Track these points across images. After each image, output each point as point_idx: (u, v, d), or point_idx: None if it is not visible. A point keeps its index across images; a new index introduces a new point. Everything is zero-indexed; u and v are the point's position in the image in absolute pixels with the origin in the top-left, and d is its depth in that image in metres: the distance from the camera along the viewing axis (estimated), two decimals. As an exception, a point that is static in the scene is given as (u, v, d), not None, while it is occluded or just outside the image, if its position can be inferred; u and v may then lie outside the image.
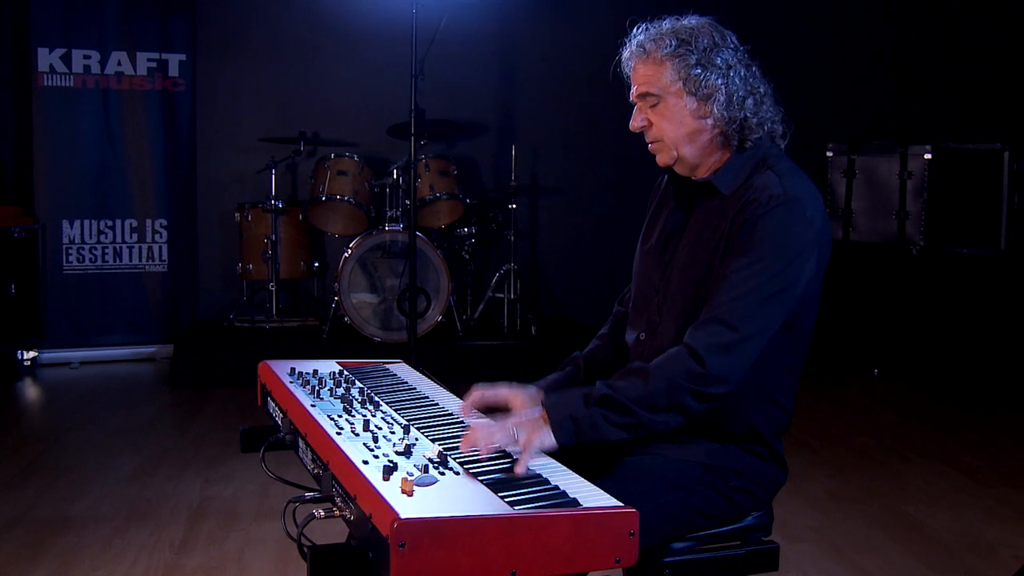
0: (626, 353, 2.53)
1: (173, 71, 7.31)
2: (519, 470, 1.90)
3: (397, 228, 6.78)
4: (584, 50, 7.82)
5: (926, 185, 6.73)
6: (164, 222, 7.39)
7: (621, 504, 1.73)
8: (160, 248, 7.39)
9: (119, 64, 7.18)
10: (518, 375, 2.62)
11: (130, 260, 7.34)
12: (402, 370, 2.78)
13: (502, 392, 2.35)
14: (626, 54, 2.30)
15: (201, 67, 7.45)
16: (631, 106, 2.33)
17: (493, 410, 2.36)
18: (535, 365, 6.32)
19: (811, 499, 4.38)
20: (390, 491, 1.69)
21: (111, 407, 5.99)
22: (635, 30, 2.30)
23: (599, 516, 1.68)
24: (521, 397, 2.33)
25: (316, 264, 7.40)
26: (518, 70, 7.94)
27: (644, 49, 2.25)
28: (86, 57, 7.12)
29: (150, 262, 7.38)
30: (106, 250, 7.27)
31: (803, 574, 3.60)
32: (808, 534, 3.98)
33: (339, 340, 6.77)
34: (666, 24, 2.27)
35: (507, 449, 2.01)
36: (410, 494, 1.68)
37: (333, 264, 7.41)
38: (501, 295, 7.26)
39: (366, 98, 7.53)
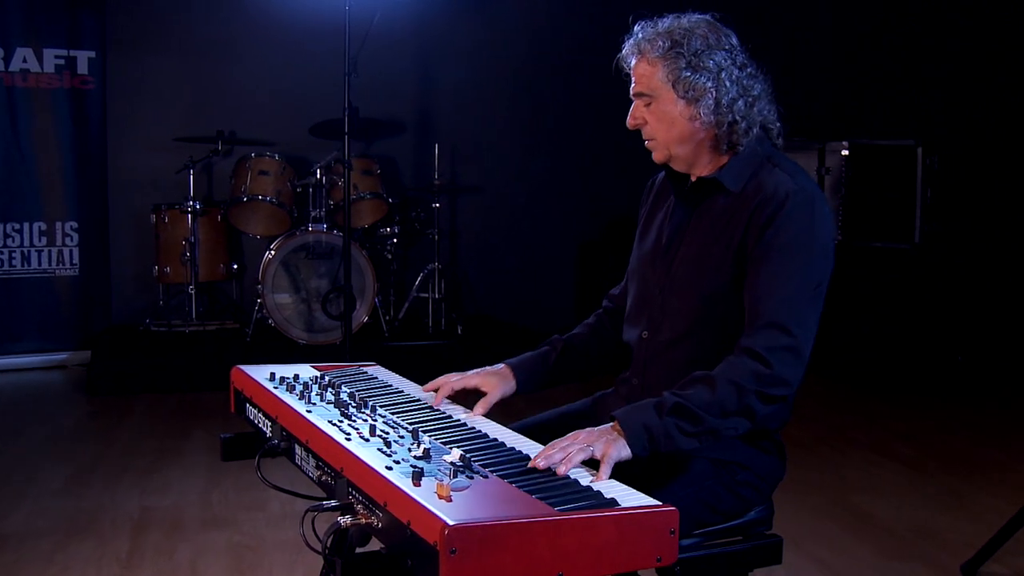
0: (608, 346, 2.59)
1: (82, 68, 7.04)
2: (601, 478, 1.86)
3: (321, 228, 6.66)
4: (504, 49, 7.82)
5: (843, 181, 6.88)
6: (75, 224, 7.12)
7: (660, 503, 1.71)
8: (71, 251, 7.12)
9: (24, 61, 6.89)
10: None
11: (39, 264, 7.05)
12: (381, 372, 2.74)
13: (472, 379, 2.47)
14: (625, 50, 2.31)
15: (112, 64, 7.18)
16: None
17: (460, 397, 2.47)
18: (462, 364, 6.24)
19: (757, 492, 4.42)
20: (427, 497, 1.64)
21: (29, 417, 5.74)
22: (636, 26, 2.30)
23: (642, 516, 1.66)
24: (491, 380, 2.47)
25: (235, 266, 7.21)
26: (437, 68, 7.87)
27: (639, 48, 2.27)
28: (-11, 54, 6.84)
29: (60, 266, 7.11)
30: (13, 254, 6.98)
31: (764, 568, 3.62)
32: (761, 526, 4.01)
33: (263, 343, 6.62)
34: (664, 23, 2.28)
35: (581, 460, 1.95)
36: (448, 499, 1.64)
37: (252, 266, 7.25)
38: (425, 295, 7.19)
39: (285, 96, 7.38)
